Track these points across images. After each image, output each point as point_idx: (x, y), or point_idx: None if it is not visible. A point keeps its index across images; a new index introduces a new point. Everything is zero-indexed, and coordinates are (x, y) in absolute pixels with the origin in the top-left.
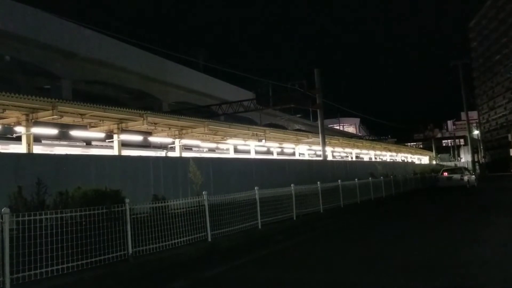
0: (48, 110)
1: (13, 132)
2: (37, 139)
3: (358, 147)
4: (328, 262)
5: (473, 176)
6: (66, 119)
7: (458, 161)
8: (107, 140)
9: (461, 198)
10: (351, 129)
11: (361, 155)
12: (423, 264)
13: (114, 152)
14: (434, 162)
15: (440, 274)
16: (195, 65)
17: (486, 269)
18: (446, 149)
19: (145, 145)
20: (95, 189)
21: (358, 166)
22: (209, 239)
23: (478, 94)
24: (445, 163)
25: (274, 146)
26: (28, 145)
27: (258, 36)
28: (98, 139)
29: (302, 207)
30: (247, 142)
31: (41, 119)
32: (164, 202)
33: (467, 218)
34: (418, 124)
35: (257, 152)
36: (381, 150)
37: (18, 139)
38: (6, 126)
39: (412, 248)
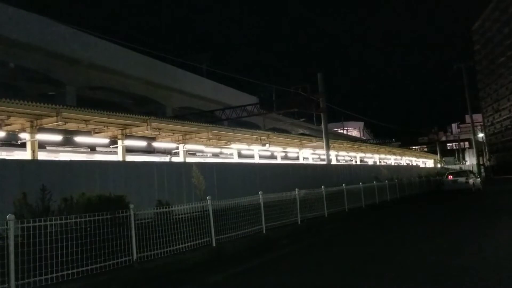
0: (52, 116)
1: (17, 138)
2: (42, 145)
3: (362, 151)
4: (333, 267)
5: (478, 179)
6: (71, 125)
7: (463, 164)
8: (111, 146)
9: (467, 202)
10: (355, 133)
11: (365, 159)
12: (430, 269)
13: (118, 157)
14: (439, 166)
15: (447, 278)
16: (198, 70)
17: (493, 272)
18: (451, 152)
19: (149, 150)
20: (99, 195)
21: (363, 170)
22: (214, 244)
23: (483, 96)
24: (450, 166)
25: (278, 151)
26: (33, 151)
27: (261, 39)
28: (102, 145)
29: (307, 212)
30: (251, 147)
31: (45, 126)
32: (168, 207)
33: (473, 222)
34: (422, 127)
35: (261, 157)
36: (385, 154)
37: (23, 145)
38: (11, 132)
39: (418, 252)
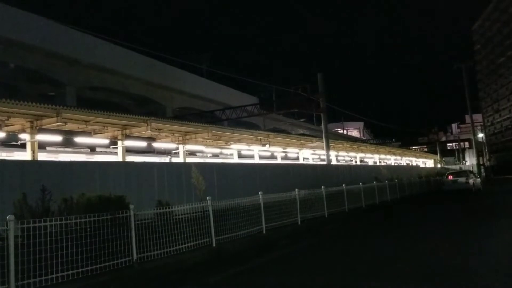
0: (52, 117)
1: (18, 139)
2: (42, 146)
3: (362, 151)
4: (333, 268)
5: (478, 179)
6: (71, 126)
7: (463, 164)
8: (111, 146)
9: (467, 202)
10: (355, 133)
11: (365, 159)
12: (429, 269)
13: (118, 158)
14: (439, 166)
15: (447, 278)
16: (198, 71)
17: (492, 272)
18: (451, 152)
19: (149, 151)
20: (99, 195)
21: (363, 170)
22: (214, 245)
23: (483, 96)
24: (450, 167)
25: (278, 151)
26: (33, 152)
27: (261, 39)
28: (102, 146)
29: (307, 212)
30: (251, 147)
31: (45, 126)
32: (168, 208)
33: (473, 222)
34: (422, 127)
35: (261, 157)
36: (385, 154)
37: (23, 146)
38: (11, 133)
39: (418, 252)
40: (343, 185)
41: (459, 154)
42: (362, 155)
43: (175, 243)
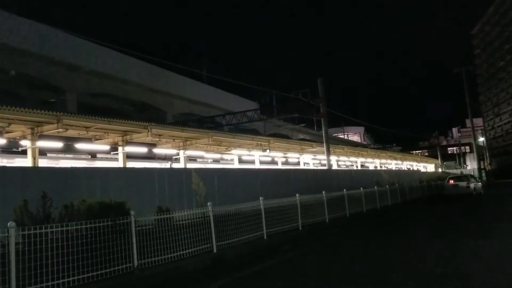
0: (53, 123)
1: (18, 146)
2: (42, 152)
3: (363, 156)
4: (334, 273)
5: (480, 183)
6: (71, 132)
7: (464, 168)
8: (112, 153)
9: (468, 207)
10: (355, 137)
11: (366, 164)
12: (432, 273)
13: (119, 164)
14: (440, 170)
15: (448, 283)
16: (198, 76)
17: (492, 275)
18: (451, 157)
19: (150, 156)
20: (100, 202)
21: (363, 175)
22: (215, 250)
23: (483, 100)
24: (451, 171)
25: (278, 156)
26: (34, 158)
27: (261, 42)
28: (103, 152)
29: (308, 217)
30: (252, 152)
31: (46, 133)
32: (169, 214)
33: (474, 227)
34: (423, 131)
35: (261, 162)
36: (386, 159)
37: (24, 152)
38: (11, 140)
39: (419, 257)
40: (344, 190)
41: (460, 158)
42: (362, 159)
43: (176, 249)
